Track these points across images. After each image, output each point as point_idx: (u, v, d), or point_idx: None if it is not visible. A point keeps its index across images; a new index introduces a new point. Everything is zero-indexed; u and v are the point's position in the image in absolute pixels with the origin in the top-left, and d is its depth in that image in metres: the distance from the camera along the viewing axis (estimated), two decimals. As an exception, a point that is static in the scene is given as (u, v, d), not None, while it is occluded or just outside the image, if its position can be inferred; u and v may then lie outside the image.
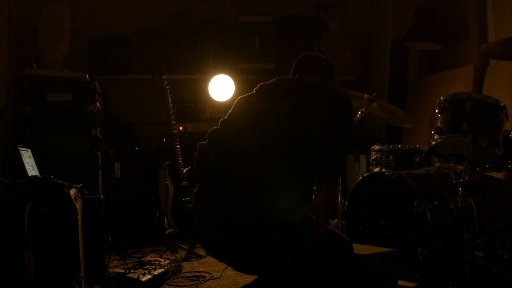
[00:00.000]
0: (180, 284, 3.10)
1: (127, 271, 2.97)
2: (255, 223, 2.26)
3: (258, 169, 2.32)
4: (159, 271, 3.06)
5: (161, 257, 3.43)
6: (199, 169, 2.57)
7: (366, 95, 3.69)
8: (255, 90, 2.61)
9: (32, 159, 3.14)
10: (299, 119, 2.39)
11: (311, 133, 2.34)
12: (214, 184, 2.40)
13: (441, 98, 2.87)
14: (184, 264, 3.56)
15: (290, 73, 2.70)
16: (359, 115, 3.72)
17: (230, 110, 2.61)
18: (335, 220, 3.86)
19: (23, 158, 2.99)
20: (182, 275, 3.28)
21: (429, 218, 2.91)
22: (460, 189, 2.67)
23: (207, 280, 3.16)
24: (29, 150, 3.16)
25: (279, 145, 2.35)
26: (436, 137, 2.80)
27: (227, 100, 4.58)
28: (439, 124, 2.80)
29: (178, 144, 3.96)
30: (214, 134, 2.59)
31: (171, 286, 3.05)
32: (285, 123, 2.39)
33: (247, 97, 2.60)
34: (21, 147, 3.07)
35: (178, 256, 3.58)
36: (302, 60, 2.70)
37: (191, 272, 3.37)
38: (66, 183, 2.79)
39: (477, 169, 2.92)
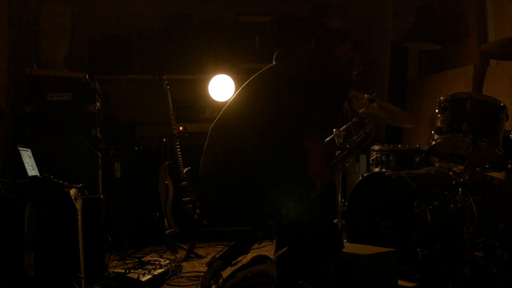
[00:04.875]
0: (180, 284, 3.10)
1: (127, 271, 2.97)
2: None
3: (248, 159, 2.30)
4: (159, 271, 3.07)
5: (161, 257, 3.43)
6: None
7: (366, 95, 3.68)
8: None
9: (32, 159, 3.14)
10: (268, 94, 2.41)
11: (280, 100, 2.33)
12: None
13: (441, 98, 2.86)
14: (184, 264, 3.56)
15: None
16: (360, 114, 3.70)
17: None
18: (335, 220, 3.86)
19: (23, 158, 2.99)
20: (182, 275, 3.28)
21: (429, 218, 2.91)
22: (460, 189, 2.67)
23: (207, 280, 3.16)
24: (29, 150, 3.16)
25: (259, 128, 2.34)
26: (436, 137, 2.80)
27: (227, 100, 4.57)
28: (439, 124, 2.80)
29: (178, 144, 3.96)
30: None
31: (171, 286, 3.05)
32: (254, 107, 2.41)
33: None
34: (21, 147, 3.07)
35: (178, 256, 3.58)
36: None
37: (191, 272, 3.37)
38: (66, 183, 2.79)
39: (477, 169, 2.92)
